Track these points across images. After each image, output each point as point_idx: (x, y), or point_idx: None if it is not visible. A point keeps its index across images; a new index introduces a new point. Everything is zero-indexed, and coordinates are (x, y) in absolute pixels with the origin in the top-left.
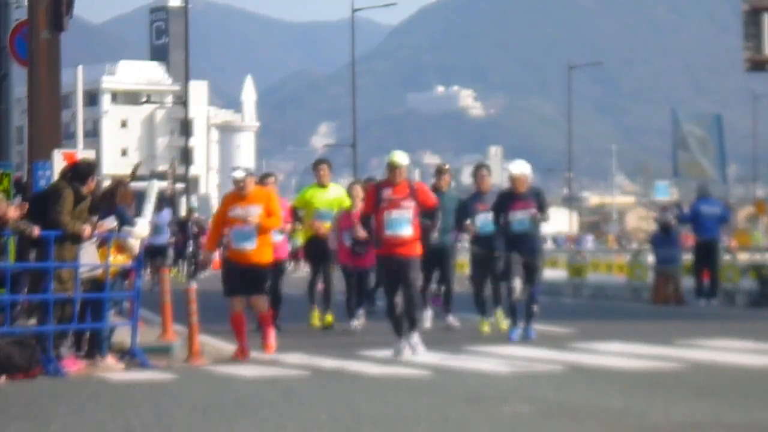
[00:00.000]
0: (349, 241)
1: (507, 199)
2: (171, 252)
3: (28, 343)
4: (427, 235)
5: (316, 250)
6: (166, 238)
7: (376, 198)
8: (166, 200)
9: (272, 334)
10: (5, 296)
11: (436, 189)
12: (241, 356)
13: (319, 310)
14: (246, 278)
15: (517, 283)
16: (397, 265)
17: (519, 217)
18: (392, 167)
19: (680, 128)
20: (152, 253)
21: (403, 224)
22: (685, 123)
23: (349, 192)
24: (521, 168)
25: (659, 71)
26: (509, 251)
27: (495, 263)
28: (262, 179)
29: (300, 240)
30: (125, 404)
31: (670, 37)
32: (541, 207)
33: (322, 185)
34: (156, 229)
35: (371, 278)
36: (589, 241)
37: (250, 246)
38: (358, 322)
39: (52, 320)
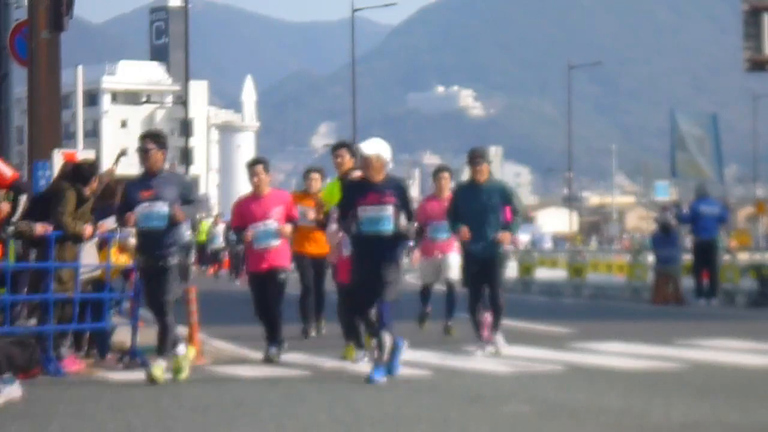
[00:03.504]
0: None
1: (356, 191)
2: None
3: (28, 343)
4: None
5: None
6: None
7: None
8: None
9: None
10: (5, 296)
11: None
12: None
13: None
14: None
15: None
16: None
17: (371, 214)
18: None
19: (678, 128)
20: None
21: None
22: (684, 123)
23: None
24: (377, 147)
25: (659, 71)
26: (359, 258)
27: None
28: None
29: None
30: (125, 404)
31: (670, 37)
32: (404, 203)
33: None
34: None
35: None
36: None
37: None
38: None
39: (52, 320)
